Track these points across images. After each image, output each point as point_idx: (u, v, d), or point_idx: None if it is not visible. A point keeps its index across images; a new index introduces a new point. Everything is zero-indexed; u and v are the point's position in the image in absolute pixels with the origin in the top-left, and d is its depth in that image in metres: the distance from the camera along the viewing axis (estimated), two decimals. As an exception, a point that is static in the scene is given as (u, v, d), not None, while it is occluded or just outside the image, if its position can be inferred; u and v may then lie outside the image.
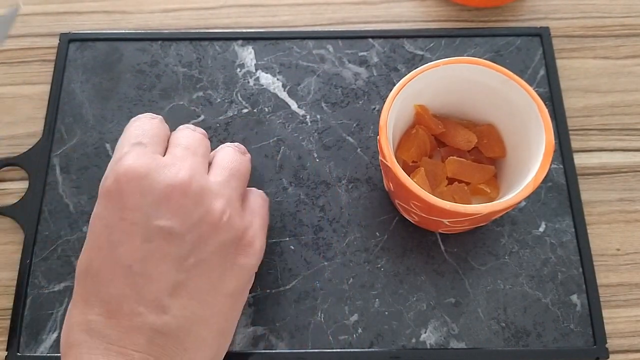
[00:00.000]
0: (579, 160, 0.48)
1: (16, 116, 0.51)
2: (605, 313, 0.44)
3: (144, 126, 0.37)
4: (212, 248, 0.34)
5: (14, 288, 0.44)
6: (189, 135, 0.38)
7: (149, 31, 0.53)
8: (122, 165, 0.33)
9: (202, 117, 0.49)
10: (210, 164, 0.38)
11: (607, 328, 0.43)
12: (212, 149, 0.47)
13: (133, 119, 0.38)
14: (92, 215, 0.35)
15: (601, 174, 0.48)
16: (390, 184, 0.41)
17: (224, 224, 0.34)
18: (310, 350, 0.42)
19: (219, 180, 0.36)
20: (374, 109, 0.49)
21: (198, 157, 0.36)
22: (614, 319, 0.44)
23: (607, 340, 0.42)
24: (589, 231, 0.46)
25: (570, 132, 0.49)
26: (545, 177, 0.46)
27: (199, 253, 0.34)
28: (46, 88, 0.51)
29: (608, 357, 0.42)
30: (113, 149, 0.48)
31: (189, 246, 0.33)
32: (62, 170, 0.47)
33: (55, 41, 0.53)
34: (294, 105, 0.49)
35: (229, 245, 0.35)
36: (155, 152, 0.35)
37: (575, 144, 0.49)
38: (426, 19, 0.54)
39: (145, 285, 0.32)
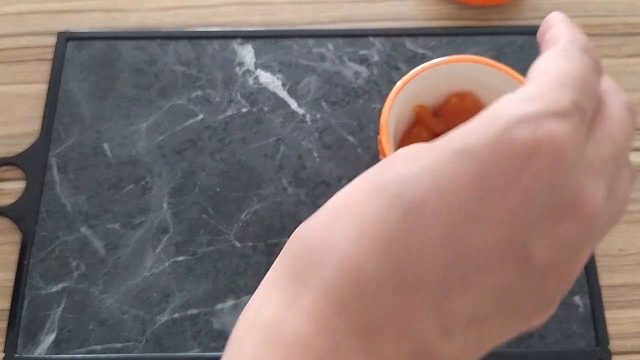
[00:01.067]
0: (582, 159, 0.48)
1: (13, 115, 0.50)
2: (608, 314, 0.43)
3: (581, 75, 0.22)
4: (536, 295, 0.22)
5: (11, 289, 0.44)
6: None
7: (147, 30, 0.52)
8: (551, 126, 0.20)
9: (201, 116, 0.48)
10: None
11: (610, 329, 0.43)
12: (211, 149, 0.47)
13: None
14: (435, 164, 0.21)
15: (603, 173, 0.48)
16: (391, 184, 0.41)
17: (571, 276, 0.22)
18: (310, 352, 0.41)
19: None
20: (375, 108, 0.49)
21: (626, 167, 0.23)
22: (617, 320, 0.44)
23: (610, 342, 0.42)
24: (591, 231, 0.45)
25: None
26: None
27: (526, 295, 0.22)
28: (44, 87, 0.51)
29: (610, 359, 0.41)
30: (111, 148, 0.47)
31: (531, 286, 0.22)
32: (59, 170, 0.47)
33: (52, 40, 0.52)
34: (293, 104, 0.49)
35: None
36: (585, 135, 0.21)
37: (577, 143, 0.49)
38: (427, 17, 0.53)
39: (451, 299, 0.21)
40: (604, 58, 0.52)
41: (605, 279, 0.44)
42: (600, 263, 0.45)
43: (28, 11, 0.54)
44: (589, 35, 0.53)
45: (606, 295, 0.44)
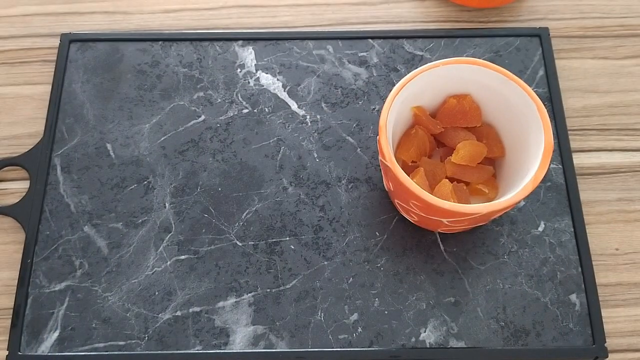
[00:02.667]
0: (578, 160, 0.49)
1: (17, 116, 0.51)
2: (604, 312, 0.44)
3: None
4: None
5: (15, 288, 0.44)
6: None
7: (149, 31, 0.53)
8: None
9: (203, 117, 0.49)
10: None
11: (606, 327, 0.43)
12: (213, 149, 0.48)
13: None
14: None
15: (600, 173, 0.49)
16: (390, 184, 0.41)
17: None
18: (310, 350, 0.42)
19: None
20: (374, 109, 0.49)
21: None
22: (613, 319, 0.44)
23: (606, 340, 0.43)
24: (588, 231, 0.46)
25: (569, 132, 0.49)
26: (545, 177, 0.46)
27: None
28: (47, 88, 0.51)
29: (607, 357, 0.42)
30: (114, 149, 0.48)
31: None
32: (63, 170, 0.47)
33: (56, 42, 0.53)
34: (294, 106, 0.49)
35: None
36: None
37: (574, 144, 0.49)
38: (425, 20, 0.54)
39: None
40: (600, 59, 0.53)
41: (601, 277, 0.45)
42: (596, 262, 0.45)
43: (31, 13, 0.55)
44: (585, 37, 0.54)
45: (602, 294, 0.44)
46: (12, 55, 0.53)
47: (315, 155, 0.48)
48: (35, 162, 0.48)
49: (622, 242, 0.46)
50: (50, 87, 0.51)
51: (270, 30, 0.53)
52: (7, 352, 0.42)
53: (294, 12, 0.55)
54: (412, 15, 0.54)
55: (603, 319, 0.43)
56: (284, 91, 0.50)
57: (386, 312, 0.43)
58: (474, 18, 0.54)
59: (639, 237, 0.46)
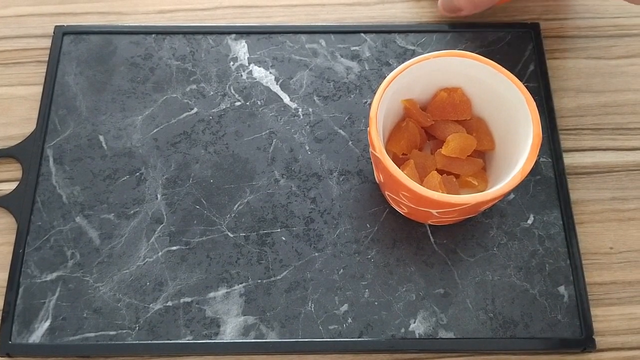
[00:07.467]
0: (572, 159, 0.49)
1: (11, 117, 0.51)
2: (599, 311, 0.44)
3: None
4: None
5: (7, 277, 0.44)
6: None
7: (143, 24, 0.53)
8: None
9: (195, 109, 0.49)
10: None
11: (601, 326, 0.44)
12: (205, 142, 0.48)
13: None
14: None
15: (594, 173, 0.49)
16: (380, 175, 0.42)
17: None
18: (300, 340, 0.42)
19: None
20: (366, 102, 0.50)
21: None
22: (608, 317, 0.44)
23: (600, 338, 0.43)
24: (581, 230, 0.46)
25: (563, 131, 0.50)
26: (534, 170, 0.47)
27: None
28: (41, 89, 0.51)
29: (595, 348, 0.42)
30: (106, 140, 0.48)
31: None
32: (55, 162, 0.47)
33: (50, 42, 0.53)
34: (286, 99, 0.50)
35: None
36: None
37: (568, 143, 0.49)
38: (420, 20, 0.54)
39: None
40: (594, 59, 0.53)
41: (595, 276, 0.45)
42: (590, 261, 0.45)
43: (25, 14, 0.55)
44: (579, 37, 0.54)
45: (597, 293, 0.45)
46: (6, 56, 0.53)
47: (307, 148, 0.48)
48: (27, 153, 0.48)
49: (616, 240, 0.46)
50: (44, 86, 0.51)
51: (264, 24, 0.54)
52: (-2, 341, 0.42)
53: (288, 13, 0.55)
54: (407, 15, 0.55)
55: (597, 317, 0.43)
56: (277, 84, 0.50)
57: (376, 303, 0.43)
58: (468, 19, 0.54)
59: (633, 236, 0.47)
